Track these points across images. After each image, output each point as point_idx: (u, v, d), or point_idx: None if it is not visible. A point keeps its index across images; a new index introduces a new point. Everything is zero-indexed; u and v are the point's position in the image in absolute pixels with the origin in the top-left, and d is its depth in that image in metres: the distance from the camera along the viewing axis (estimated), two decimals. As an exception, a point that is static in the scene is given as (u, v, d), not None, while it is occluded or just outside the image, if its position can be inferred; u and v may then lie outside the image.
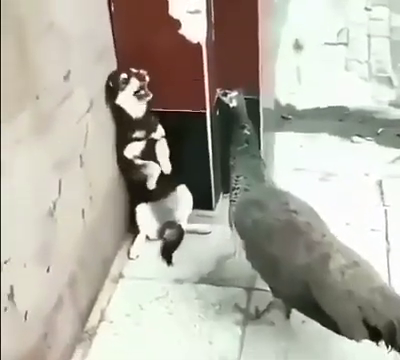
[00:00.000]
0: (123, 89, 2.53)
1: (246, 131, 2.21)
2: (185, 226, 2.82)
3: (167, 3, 2.41)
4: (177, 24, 2.45)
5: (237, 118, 2.22)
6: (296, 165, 3.27)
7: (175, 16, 2.44)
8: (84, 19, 2.29)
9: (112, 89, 2.53)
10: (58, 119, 2.11)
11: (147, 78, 2.53)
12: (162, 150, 2.65)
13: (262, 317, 2.39)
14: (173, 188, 2.76)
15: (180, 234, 2.79)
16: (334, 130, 3.57)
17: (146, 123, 2.61)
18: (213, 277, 2.61)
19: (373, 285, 1.96)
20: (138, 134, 2.60)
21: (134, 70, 2.53)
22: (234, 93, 2.18)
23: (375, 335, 1.90)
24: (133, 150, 2.61)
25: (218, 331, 2.37)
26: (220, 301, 2.49)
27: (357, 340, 1.93)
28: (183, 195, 2.78)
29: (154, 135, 2.63)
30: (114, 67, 2.60)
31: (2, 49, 1.75)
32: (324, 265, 1.99)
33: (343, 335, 1.96)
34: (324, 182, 3.16)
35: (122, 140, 2.62)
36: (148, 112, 2.60)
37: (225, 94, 2.19)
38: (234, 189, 2.24)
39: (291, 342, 2.28)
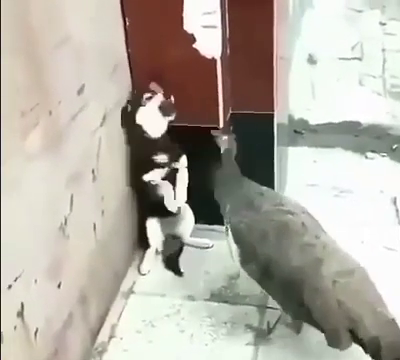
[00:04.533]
0: (145, 105, 2.51)
1: (229, 172, 2.27)
2: (187, 240, 2.81)
3: (182, 18, 2.40)
4: (192, 39, 2.43)
5: (224, 161, 2.27)
6: (309, 180, 3.24)
7: (190, 31, 2.42)
8: (99, 33, 2.28)
9: (130, 112, 2.51)
10: (71, 134, 2.10)
11: (172, 98, 2.51)
12: (182, 179, 2.63)
13: (273, 332, 2.35)
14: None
15: (180, 244, 2.79)
16: (348, 145, 3.54)
17: (168, 148, 2.57)
18: (225, 294, 2.57)
19: (364, 298, 1.93)
20: (160, 159, 2.57)
21: (156, 87, 2.51)
22: (225, 137, 2.22)
23: (361, 345, 1.88)
24: (154, 176, 2.58)
25: (230, 351, 2.33)
26: (232, 319, 2.45)
27: (342, 349, 1.90)
28: (186, 212, 2.77)
29: (176, 165, 2.61)
30: (128, 81, 2.59)
31: (16, 63, 1.74)
32: (316, 269, 1.96)
33: (328, 343, 1.93)
34: (338, 198, 3.12)
35: (143, 165, 2.58)
36: (169, 137, 2.57)
37: (217, 137, 2.25)
38: (222, 202, 2.26)
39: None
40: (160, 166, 2.58)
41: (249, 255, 2.13)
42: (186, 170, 2.64)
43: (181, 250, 2.78)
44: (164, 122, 2.55)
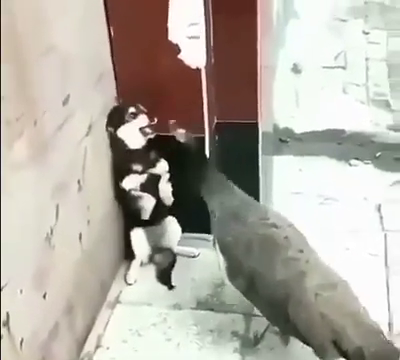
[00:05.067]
0: (128, 122, 2.54)
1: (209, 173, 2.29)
2: (175, 249, 2.81)
3: (166, 28, 2.42)
4: (176, 49, 2.45)
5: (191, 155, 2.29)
6: (294, 188, 3.26)
7: (174, 41, 2.44)
8: (84, 43, 2.29)
9: (115, 121, 2.54)
10: (56, 144, 2.10)
11: (155, 120, 2.54)
12: (164, 187, 2.65)
13: (261, 343, 2.36)
14: (166, 215, 2.75)
15: (173, 257, 2.79)
16: (332, 153, 3.56)
17: (145, 156, 2.61)
18: (211, 302, 2.58)
19: (347, 310, 1.94)
20: (136, 167, 2.59)
21: (142, 108, 2.55)
22: (182, 130, 2.27)
23: (346, 358, 1.89)
24: (131, 183, 2.60)
25: (216, 359, 2.33)
26: (218, 327, 2.45)
27: None
28: (172, 223, 2.77)
29: (153, 170, 2.62)
30: (113, 91, 2.60)
31: (1, 73, 1.73)
32: (299, 283, 1.98)
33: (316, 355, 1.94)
34: (323, 206, 3.14)
35: (120, 172, 2.61)
36: (148, 146, 2.60)
37: (175, 129, 2.28)
38: (212, 212, 2.28)
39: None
40: (136, 172, 2.60)
41: (235, 269, 2.15)
42: (167, 175, 2.65)
43: (174, 263, 2.78)
44: (144, 138, 2.59)
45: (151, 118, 2.55)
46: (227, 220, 2.21)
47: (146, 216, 2.65)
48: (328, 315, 1.91)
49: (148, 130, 2.56)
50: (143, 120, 2.55)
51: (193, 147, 2.27)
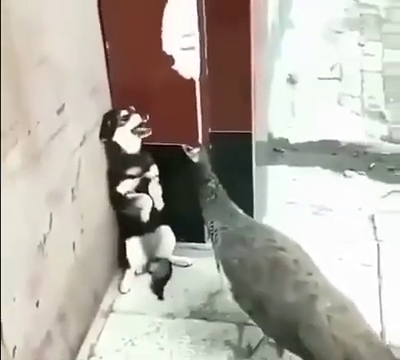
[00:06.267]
0: (122, 125, 2.56)
1: (211, 184, 2.27)
2: (172, 259, 2.82)
3: (161, 40, 2.45)
4: (171, 60, 2.48)
5: (201, 173, 2.28)
6: (289, 198, 3.27)
7: (169, 52, 2.47)
8: (79, 54, 2.32)
9: (109, 127, 2.56)
10: (51, 153, 2.12)
11: (147, 117, 2.56)
12: (155, 189, 2.66)
13: (254, 354, 2.36)
14: (161, 222, 2.75)
15: (169, 268, 2.80)
16: (327, 164, 3.58)
17: (141, 161, 2.63)
18: (205, 312, 2.59)
19: (358, 331, 1.97)
20: (132, 171, 2.62)
21: (133, 108, 2.57)
22: (196, 149, 2.26)
23: None
24: (126, 187, 2.62)
25: (209, 368, 2.35)
26: (211, 337, 2.46)
27: None
28: (166, 232, 2.78)
29: (148, 174, 2.65)
30: (108, 101, 2.62)
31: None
32: (310, 307, 1.99)
33: None
34: (316, 216, 3.15)
35: (115, 177, 2.63)
36: (143, 150, 2.63)
37: (188, 150, 2.27)
38: (212, 234, 2.27)
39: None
40: (131, 177, 2.62)
41: (242, 291, 2.15)
42: (157, 179, 2.67)
43: (170, 275, 2.78)
44: (139, 140, 2.61)
45: (143, 116, 2.56)
46: (232, 242, 2.20)
47: (146, 217, 2.64)
48: (340, 337, 1.93)
49: (142, 129, 2.58)
50: (136, 120, 2.57)
51: (198, 163, 2.28)
